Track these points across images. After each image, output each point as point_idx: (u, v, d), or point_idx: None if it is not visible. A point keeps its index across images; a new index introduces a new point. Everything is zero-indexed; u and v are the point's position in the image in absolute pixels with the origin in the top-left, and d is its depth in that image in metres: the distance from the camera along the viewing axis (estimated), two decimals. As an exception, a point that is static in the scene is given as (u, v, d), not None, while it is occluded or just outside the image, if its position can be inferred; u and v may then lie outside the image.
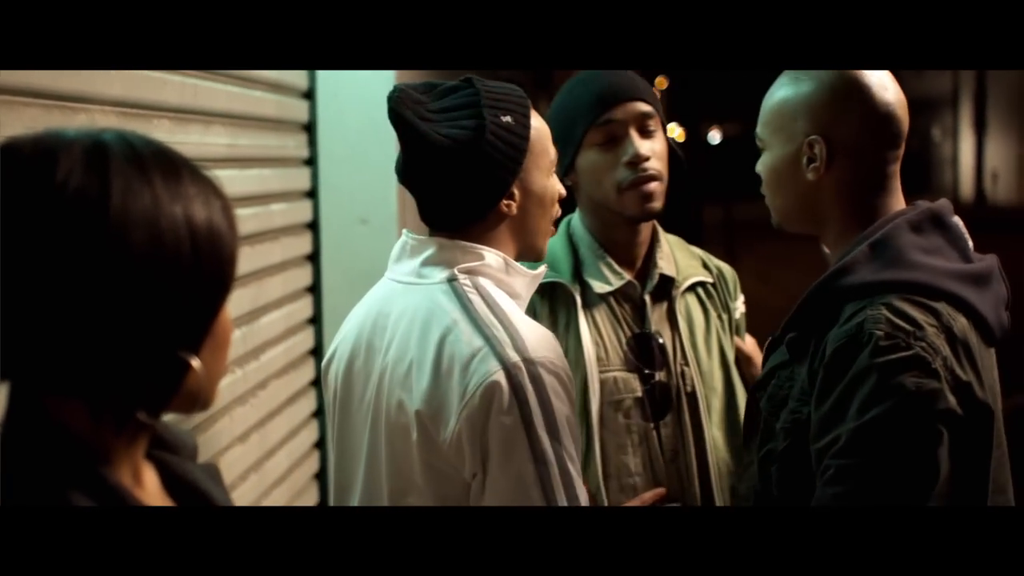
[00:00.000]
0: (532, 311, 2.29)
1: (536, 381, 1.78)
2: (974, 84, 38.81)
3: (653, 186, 2.29)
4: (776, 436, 1.89)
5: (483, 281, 1.89)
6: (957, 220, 1.94)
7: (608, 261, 2.37)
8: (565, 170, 2.35)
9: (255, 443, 3.19)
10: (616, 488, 2.31)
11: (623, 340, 2.34)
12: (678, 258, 2.44)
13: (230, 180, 3.05)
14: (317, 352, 3.92)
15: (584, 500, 1.81)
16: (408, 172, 1.94)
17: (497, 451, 1.77)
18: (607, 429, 2.32)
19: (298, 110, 3.80)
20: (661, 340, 2.34)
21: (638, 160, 2.28)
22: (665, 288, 2.39)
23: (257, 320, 3.26)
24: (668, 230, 2.52)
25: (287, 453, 3.55)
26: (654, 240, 2.42)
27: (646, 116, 2.31)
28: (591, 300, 2.35)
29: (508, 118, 1.91)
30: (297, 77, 3.76)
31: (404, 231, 2.01)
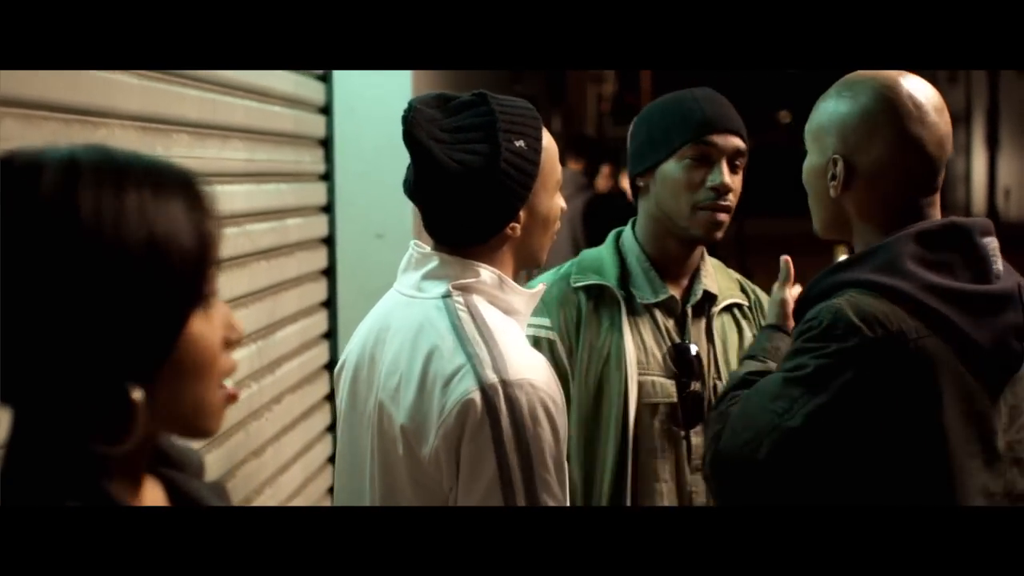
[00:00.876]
0: (577, 310, 2.37)
1: (512, 403, 1.78)
2: (987, 101, 38.77)
3: (723, 216, 2.38)
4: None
5: (476, 298, 1.90)
6: (988, 240, 1.91)
7: (652, 275, 2.43)
8: (643, 170, 2.43)
9: (270, 457, 3.19)
10: (644, 492, 2.35)
11: (663, 348, 2.40)
12: (719, 279, 2.52)
13: (247, 195, 3.05)
14: (332, 367, 3.92)
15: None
16: (417, 190, 1.93)
17: (467, 469, 1.79)
18: (641, 432, 2.35)
19: (315, 125, 3.81)
20: (697, 352, 2.40)
21: (723, 189, 2.35)
22: (705, 305, 2.46)
23: (273, 335, 3.26)
24: None
25: (302, 467, 3.55)
26: (701, 260, 2.50)
27: (740, 153, 2.39)
28: (635, 308, 2.41)
29: (521, 143, 1.91)
30: (314, 92, 3.77)
31: (412, 242, 2.02)
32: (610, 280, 2.40)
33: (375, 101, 3.87)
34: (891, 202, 1.93)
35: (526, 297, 1.97)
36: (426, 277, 1.94)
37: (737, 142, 2.38)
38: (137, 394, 1.04)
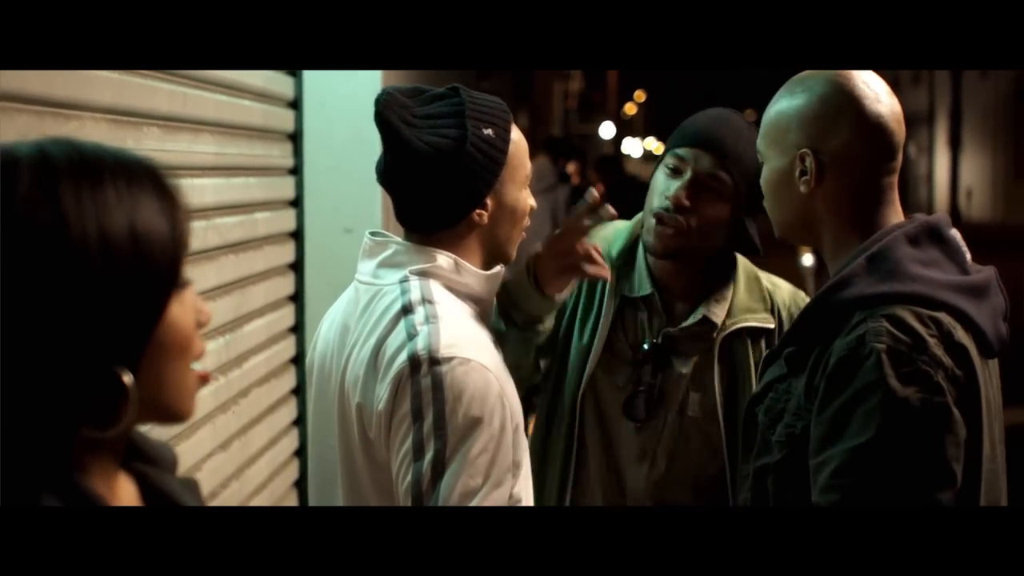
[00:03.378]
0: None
1: (435, 379, 1.81)
2: (949, 102, 39.05)
3: (668, 231, 2.31)
4: (771, 449, 1.89)
5: (433, 283, 1.94)
6: (955, 233, 1.93)
7: (643, 269, 2.42)
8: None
9: (237, 451, 3.20)
10: (584, 466, 2.42)
11: (638, 340, 2.40)
12: (741, 299, 2.43)
13: (216, 188, 3.06)
14: (299, 361, 3.93)
15: (457, 501, 1.80)
16: (387, 174, 1.98)
17: (394, 439, 1.84)
18: (588, 411, 2.41)
19: (284, 120, 3.81)
20: (646, 351, 2.39)
21: (673, 201, 2.30)
22: (705, 330, 2.39)
23: (240, 328, 3.27)
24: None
25: (268, 461, 3.56)
26: (715, 279, 2.42)
27: (713, 176, 2.30)
28: (615, 295, 2.42)
29: (489, 131, 1.95)
30: (284, 87, 3.78)
31: (367, 233, 2.06)
32: (609, 251, 2.43)
33: (344, 96, 3.88)
34: (860, 190, 1.92)
35: (484, 279, 2.00)
36: (382, 265, 1.98)
37: (710, 163, 2.30)
38: (128, 377, 1.07)
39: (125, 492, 1.18)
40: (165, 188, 1.11)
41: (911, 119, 44.28)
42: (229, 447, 3.14)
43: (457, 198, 1.96)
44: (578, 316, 2.44)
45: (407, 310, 1.89)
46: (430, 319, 1.86)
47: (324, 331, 2.07)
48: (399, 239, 1.98)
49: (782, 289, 2.48)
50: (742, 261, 2.47)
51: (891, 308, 1.78)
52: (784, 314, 2.43)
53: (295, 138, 3.92)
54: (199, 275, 2.86)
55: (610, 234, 2.48)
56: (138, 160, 1.12)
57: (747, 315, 2.40)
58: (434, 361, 1.82)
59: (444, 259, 1.95)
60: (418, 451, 1.80)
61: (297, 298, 3.93)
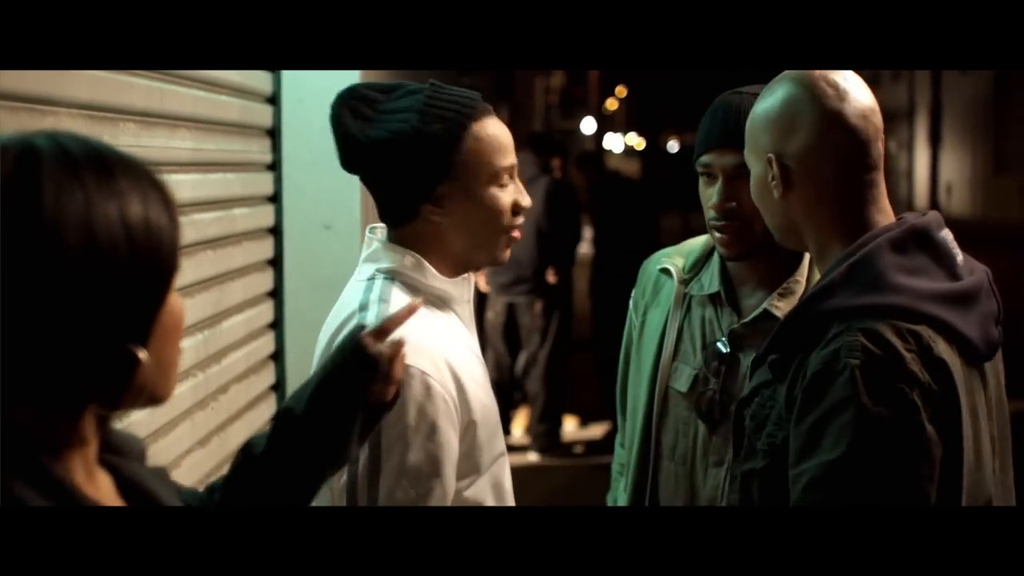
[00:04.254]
0: (651, 285, 2.44)
1: None
2: (930, 98, 39.19)
3: (728, 235, 2.28)
4: (756, 455, 1.87)
5: (395, 284, 1.96)
6: (946, 235, 1.89)
7: (714, 268, 2.38)
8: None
9: (216, 447, 3.20)
10: (661, 468, 2.41)
11: (708, 340, 2.36)
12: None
13: (194, 184, 3.05)
14: (278, 357, 3.92)
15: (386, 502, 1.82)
16: (343, 165, 2.02)
17: None
18: (664, 412, 2.39)
19: (262, 115, 3.81)
20: (723, 353, 2.33)
21: (718, 209, 2.27)
22: (772, 325, 2.22)
23: (219, 324, 3.26)
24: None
25: (247, 457, 3.55)
26: (785, 271, 2.35)
27: (740, 166, 2.17)
28: (692, 296, 2.40)
29: (438, 124, 1.94)
30: (261, 82, 3.77)
31: (369, 226, 2.09)
32: (686, 264, 2.43)
33: (322, 92, 3.84)
34: (834, 193, 1.86)
35: (451, 284, 2.01)
36: (364, 261, 2.04)
37: (734, 158, 2.22)
38: (143, 353, 1.14)
39: (102, 484, 1.21)
40: (159, 180, 1.19)
41: (891, 115, 44.39)
42: (208, 443, 3.13)
43: (403, 191, 1.97)
44: (649, 325, 2.43)
45: (362, 307, 1.93)
46: (379, 320, 1.82)
47: (325, 326, 2.09)
48: (380, 237, 2.01)
49: None
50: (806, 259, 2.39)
51: (869, 322, 1.74)
52: None
53: (273, 134, 3.91)
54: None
55: (694, 243, 2.48)
56: (130, 156, 1.18)
57: None
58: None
59: (409, 259, 1.97)
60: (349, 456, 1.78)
61: (276, 294, 3.92)
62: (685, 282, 2.40)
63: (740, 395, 2.04)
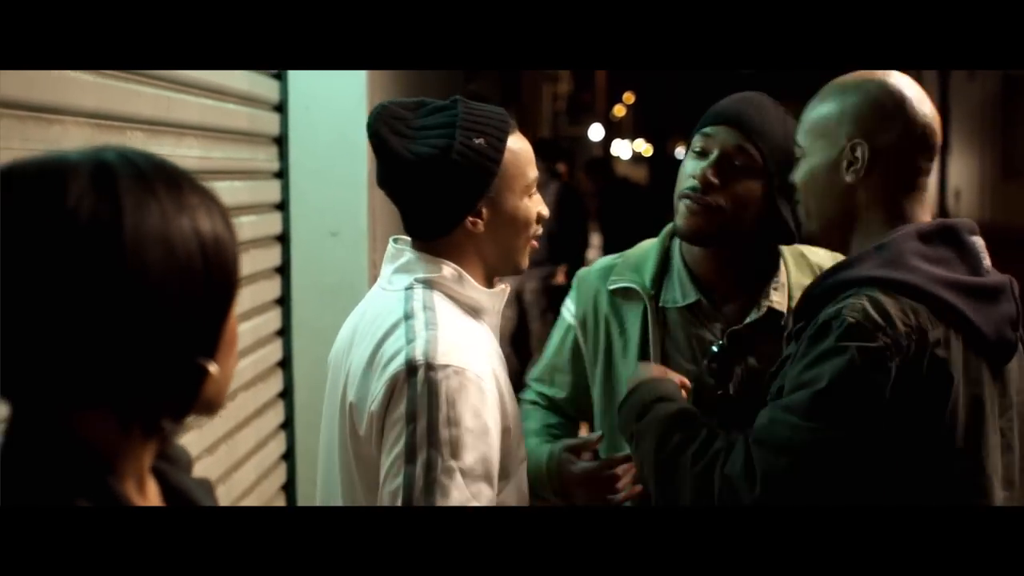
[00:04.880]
0: (604, 307, 2.38)
1: (432, 384, 1.86)
2: (937, 103, 38.89)
3: (695, 209, 2.24)
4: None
5: (436, 293, 2.01)
6: (976, 239, 2.04)
7: (684, 276, 2.35)
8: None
9: (223, 454, 3.20)
10: None
11: (694, 352, 2.32)
12: (793, 280, 2.36)
13: (201, 192, 3.06)
14: (285, 364, 3.93)
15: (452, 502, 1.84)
16: (383, 184, 2.06)
17: (383, 442, 1.90)
18: None
19: (269, 123, 3.81)
20: (722, 354, 2.31)
21: (700, 179, 2.24)
22: (772, 322, 2.31)
23: (227, 332, 3.26)
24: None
25: (255, 465, 3.55)
26: (763, 267, 2.36)
27: (741, 151, 2.24)
28: (666, 310, 2.35)
29: (481, 140, 2.00)
30: (268, 90, 3.78)
31: (392, 237, 2.12)
32: (644, 280, 2.36)
33: (329, 99, 3.88)
34: (900, 184, 2.03)
35: (487, 295, 2.06)
36: (397, 271, 2.05)
37: (736, 139, 2.23)
38: (214, 367, 1.17)
39: (151, 492, 1.24)
40: (215, 194, 1.21)
41: (899, 120, 44.32)
42: (216, 451, 3.13)
43: (448, 205, 2.01)
44: (618, 351, 2.37)
45: (408, 316, 1.95)
46: (429, 326, 1.92)
47: (341, 332, 2.13)
48: (416, 248, 2.05)
49: (823, 256, 2.39)
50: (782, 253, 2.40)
51: (877, 291, 1.91)
52: None
53: (280, 142, 3.91)
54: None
55: (639, 256, 2.42)
56: (187, 172, 1.21)
57: None
58: (430, 367, 1.87)
59: (448, 270, 2.02)
60: (410, 455, 1.85)
61: (283, 302, 3.93)
62: (655, 298, 2.35)
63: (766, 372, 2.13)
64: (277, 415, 3.84)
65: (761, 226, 2.28)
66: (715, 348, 2.31)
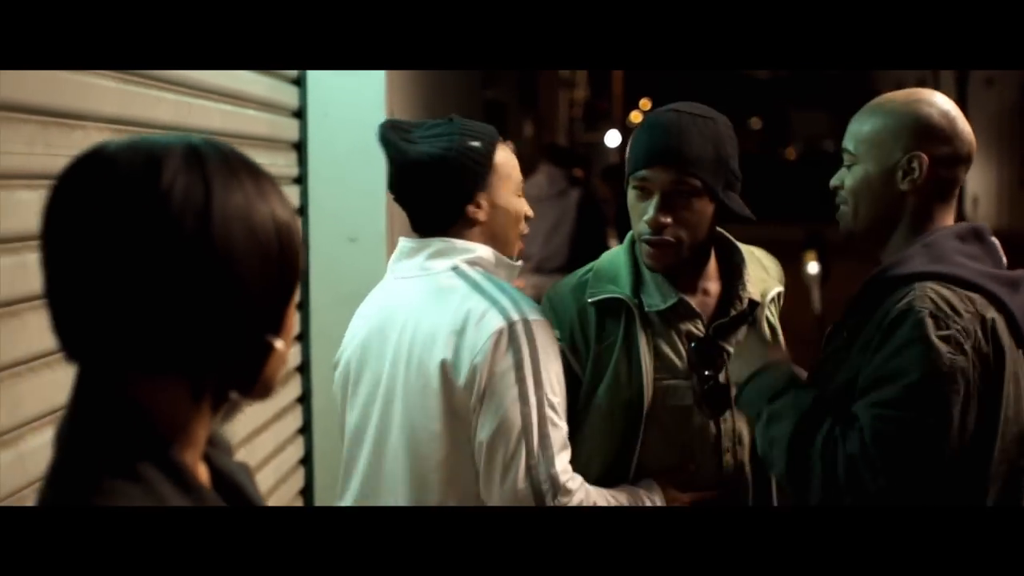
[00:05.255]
0: (589, 322, 2.48)
1: (530, 336, 2.21)
2: (955, 110, 38.70)
3: (658, 252, 2.40)
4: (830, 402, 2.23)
5: (477, 268, 2.32)
6: (994, 239, 2.30)
7: (660, 280, 2.47)
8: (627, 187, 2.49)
9: (242, 458, 3.20)
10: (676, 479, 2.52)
11: (680, 351, 2.48)
12: (752, 272, 2.55)
13: (221, 197, 3.07)
14: (304, 369, 3.94)
15: (559, 439, 2.19)
16: (394, 183, 2.34)
17: (491, 389, 2.19)
18: (661, 429, 2.46)
19: (288, 129, 3.83)
20: (715, 344, 2.48)
21: (652, 224, 2.38)
22: (749, 311, 2.51)
23: (245, 337, 3.27)
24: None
25: (273, 469, 3.56)
26: (727, 263, 2.55)
27: (680, 186, 2.36)
28: (648, 315, 2.47)
29: (476, 143, 2.32)
30: (287, 96, 3.80)
31: (400, 238, 2.35)
32: (624, 289, 2.46)
33: (348, 106, 3.89)
34: (943, 191, 2.29)
35: (511, 270, 2.40)
36: (430, 257, 2.33)
37: (672, 176, 2.36)
38: (280, 343, 1.24)
39: (203, 472, 1.30)
40: (279, 187, 1.29)
41: (917, 127, 44.22)
42: (234, 455, 3.14)
43: (452, 197, 2.32)
44: (612, 360, 2.46)
45: (475, 285, 2.27)
46: (503, 291, 2.27)
47: (358, 331, 2.36)
48: (438, 238, 2.33)
49: (756, 249, 2.63)
50: (726, 235, 2.56)
51: (935, 284, 2.16)
52: (776, 271, 2.62)
53: (299, 147, 3.93)
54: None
55: (609, 268, 2.52)
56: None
57: (766, 283, 2.56)
58: (526, 321, 2.22)
59: (485, 251, 2.34)
60: (524, 397, 2.20)
61: (302, 307, 3.94)
62: (639, 306, 2.46)
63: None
64: (295, 420, 3.85)
65: (713, 232, 2.48)
66: (695, 342, 2.47)
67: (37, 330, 1.99)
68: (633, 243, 2.51)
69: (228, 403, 1.25)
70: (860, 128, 2.32)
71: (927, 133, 2.26)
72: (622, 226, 9.24)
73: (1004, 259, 2.30)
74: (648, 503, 2.45)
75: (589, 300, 2.46)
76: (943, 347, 2.09)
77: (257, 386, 1.26)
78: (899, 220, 2.30)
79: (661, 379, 2.44)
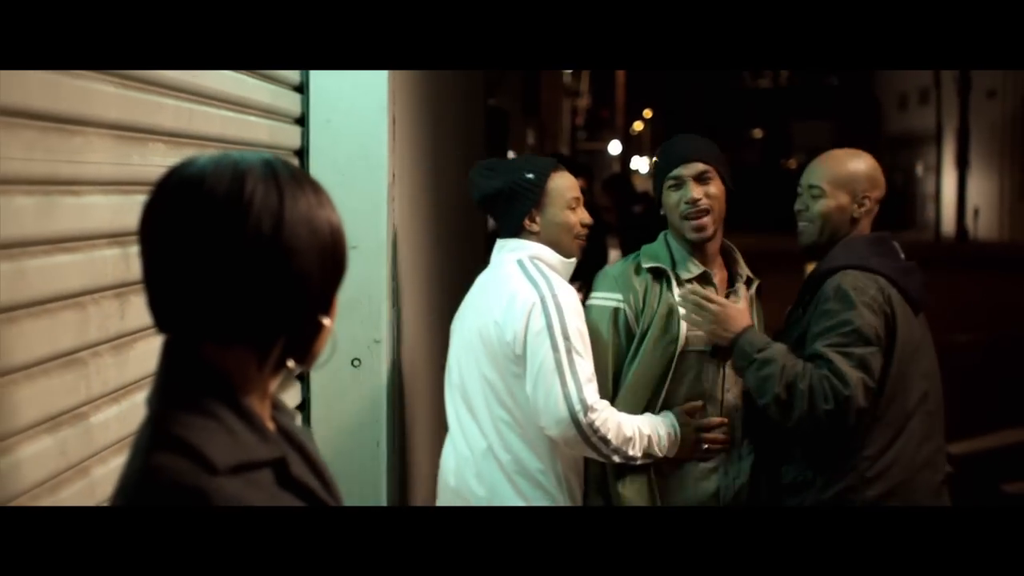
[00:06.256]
0: (643, 285, 3.59)
1: (557, 305, 3.38)
2: (957, 122, 38.93)
3: (703, 220, 3.58)
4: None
5: (539, 262, 3.51)
6: (895, 243, 3.66)
7: (689, 258, 3.64)
8: (658, 197, 3.72)
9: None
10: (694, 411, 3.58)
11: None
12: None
13: (222, 204, 3.06)
14: (303, 377, 3.93)
15: (585, 374, 3.33)
16: (480, 206, 3.73)
17: (530, 343, 3.37)
18: (686, 368, 3.57)
19: (290, 136, 3.82)
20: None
21: (691, 201, 3.57)
22: (749, 283, 3.73)
23: (245, 344, 3.26)
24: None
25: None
26: (728, 256, 3.77)
27: (703, 173, 3.60)
28: (681, 281, 3.60)
29: (531, 175, 3.54)
30: (289, 103, 3.79)
31: (497, 239, 3.65)
32: (665, 263, 3.61)
33: (350, 113, 3.88)
34: (871, 219, 3.69)
35: (562, 263, 3.56)
36: (509, 251, 3.57)
37: (698, 166, 3.59)
38: (328, 322, 1.58)
39: (270, 425, 1.60)
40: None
41: (918, 138, 44.34)
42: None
43: (511, 215, 3.56)
44: (661, 313, 3.55)
45: (527, 274, 3.46)
46: (544, 275, 3.46)
47: (467, 299, 3.65)
48: (512, 239, 3.57)
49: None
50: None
51: (855, 271, 3.49)
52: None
53: (301, 155, 3.92)
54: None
55: (652, 251, 3.66)
56: None
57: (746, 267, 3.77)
58: (554, 296, 3.39)
59: (544, 251, 3.54)
60: (555, 348, 3.33)
61: (302, 314, 3.92)
62: (677, 276, 3.60)
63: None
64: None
65: (724, 213, 3.66)
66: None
67: (35, 337, 1.98)
68: (667, 237, 3.66)
69: (285, 370, 1.57)
70: (829, 172, 3.65)
71: (874, 181, 3.67)
72: (622, 233, 9.23)
73: (902, 255, 3.64)
74: (661, 429, 3.44)
75: (644, 266, 3.59)
76: (864, 308, 3.39)
77: (308, 356, 1.58)
78: (846, 234, 3.63)
79: (689, 329, 3.54)
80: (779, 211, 4.72)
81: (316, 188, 1.55)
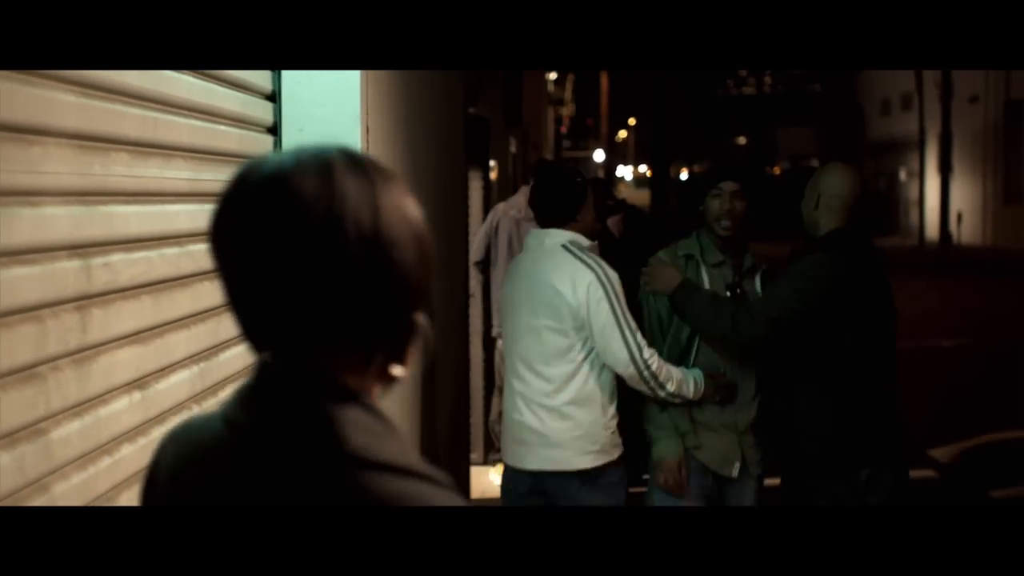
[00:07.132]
0: (675, 263, 5.17)
1: (609, 280, 4.78)
2: (939, 127, 39.05)
3: (732, 223, 5.06)
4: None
5: (576, 245, 4.87)
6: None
7: (714, 248, 5.13)
8: (701, 204, 5.17)
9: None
10: (708, 364, 5.10)
11: (725, 285, 5.10)
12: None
13: (190, 215, 3.01)
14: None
15: (635, 327, 4.77)
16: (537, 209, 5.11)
17: (593, 311, 4.74)
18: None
19: (262, 145, 3.77)
20: (740, 287, 5.13)
21: (728, 210, 5.05)
22: (754, 269, 5.24)
23: (215, 357, 3.21)
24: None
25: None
26: (745, 246, 5.22)
27: (736, 191, 5.07)
28: (709, 266, 5.11)
29: (580, 179, 4.98)
30: (261, 111, 3.74)
31: (531, 230, 5.13)
32: (695, 252, 5.13)
33: (322, 121, 3.84)
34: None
35: (593, 245, 4.91)
36: (551, 239, 4.90)
37: (734, 186, 5.06)
38: (422, 319, 1.45)
39: None
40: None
41: (901, 144, 44.51)
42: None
43: (569, 206, 4.95)
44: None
45: (580, 258, 4.82)
46: (591, 257, 4.82)
47: (512, 273, 5.09)
48: (556, 229, 4.96)
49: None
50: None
51: (820, 253, 4.76)
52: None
53: (274, 164, 3.87)
54: (173, 302, 2.82)
55: (687, 244, 5.20)
56: None
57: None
58: (606, 274, 4.77)
59: (577, 236, 4.91)
60: (613, 312, 4.72)
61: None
62: (705, 261, 5.12)
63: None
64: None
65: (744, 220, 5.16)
66: (729, 284, 5.14)
67: (8, 347, 1.94)
68: (698, 233, 5.16)
69: (389, 378, 1.45)
70: (830, 185, 4.88)
71: (859, 192, 4.84)
72: (605, 240, 9.20)
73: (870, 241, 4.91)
74: (690, 379, 4.86)
75: (680, 253, 5.12)
76: (818, 282, 4.67)
77: (407, 359, 1.46)
78: (820, 227, 4.86)
79: None
80: (763, 217, 5.28)
81: (393, 175, 1.43)
